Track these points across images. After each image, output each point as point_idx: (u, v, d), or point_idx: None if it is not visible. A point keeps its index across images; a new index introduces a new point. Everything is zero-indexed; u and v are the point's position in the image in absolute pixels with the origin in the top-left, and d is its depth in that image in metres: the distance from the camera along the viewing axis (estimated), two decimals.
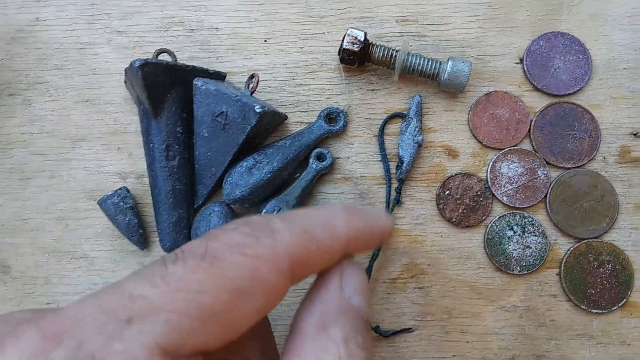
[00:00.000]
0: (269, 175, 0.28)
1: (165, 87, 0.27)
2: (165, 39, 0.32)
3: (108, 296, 0.14)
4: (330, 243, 0.18)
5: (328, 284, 0.19)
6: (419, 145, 0.29)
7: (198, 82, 0.27)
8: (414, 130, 0.30)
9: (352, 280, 0.19)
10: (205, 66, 0.32)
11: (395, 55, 0.30)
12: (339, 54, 0.30)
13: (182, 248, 0.16)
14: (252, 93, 0.28)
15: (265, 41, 0.32)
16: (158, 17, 0.32)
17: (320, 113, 0.30)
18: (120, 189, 0.28)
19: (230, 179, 0.28)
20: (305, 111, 0.31)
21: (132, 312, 0.14)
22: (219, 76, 0.30)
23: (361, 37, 0.29)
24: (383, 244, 0.29)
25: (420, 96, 0.30)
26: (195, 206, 0.29)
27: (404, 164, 0.29)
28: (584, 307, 0.29)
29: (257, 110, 0.26)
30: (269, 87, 0.31)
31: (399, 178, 0.30)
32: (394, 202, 0.30)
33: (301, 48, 0.32)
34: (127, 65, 0.27)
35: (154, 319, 0.14)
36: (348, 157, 0.31)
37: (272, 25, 0.32)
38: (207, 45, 0.32)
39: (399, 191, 0.29)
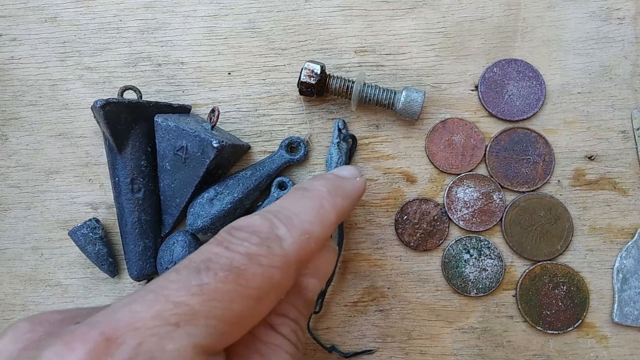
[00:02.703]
0: (230, 206, 0.29)
1: (128, 124, 0.29)
2: (134, 74, 0.33)
3: (152, 303, 0.16)
4: (324, 234, 0.20)
5: None
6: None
7: (158, 118, 0.29)
8: (337, 156, 0.31)
9: (315, 263, 0.21)
10: (171, 99, 0.33)
11: (352, 87, 0.31)
12: (297, 87, 0.31)
13: (206, 256, 0.18)
14: (213, 127, 0.29)
15: (229, 74, 0.33)
16: (126, 53, 0.33)
17: (282, 143, 0.31)
18: (89, 220, 0.30)
19: (192, 209, 0.29)
20: (268, 140, 0.32)
21: (178, 318, 0.16)
22: (184, 110, 0.32)
23: (318, 70, 0.30)
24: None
25: (342, 120, 0.31)
26: (162, 234, 0.31)
27: None
28: (539, 328, 0.29)
29: (215, 145, 0.27)
30: (233, 117, 0.33)
31: None
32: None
33: (264, 80, 0.33)
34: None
35: (197, 323, 0.16)
36: None
37: (235, 58, 0.33)
38: (173, 79, 0.33)
39: None
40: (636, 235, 0.30)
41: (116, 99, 0.28)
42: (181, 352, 0.15)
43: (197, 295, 0.16)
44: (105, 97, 0.28)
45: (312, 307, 0.22)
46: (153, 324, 0.15)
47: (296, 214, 0.20)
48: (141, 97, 0.31)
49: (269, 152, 0.32)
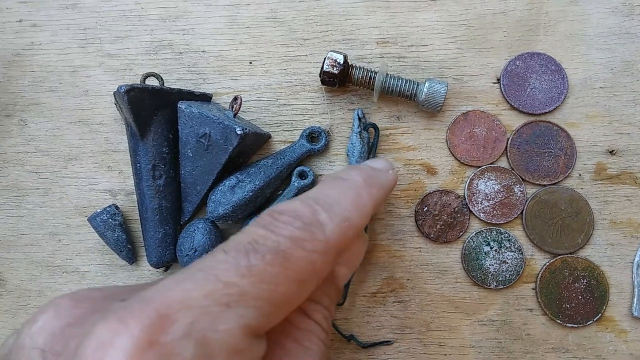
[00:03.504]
0: (251, 194, 0.29)
1: (151, 110, 0.29)
2: (155, 62, 0.33)
3: (205, 282, 0.16)
4: (363, 223, 0.20)
5: None
6: (366, 157, 0.31)
7: (182, 105, 0.28)
8: (360, 146, 0.30)
9: (348, 252, 0.22)
10: (192, 87, 0.33)
11: (374, 77, 0.31)
12: (320, 76, 0.31)
13: (252, 237, 0.18)
14: (235, 114, 0.29)
15: (251, 63, 0.33)
16: (147, 40, 0.33)
17: (303, 132, 0.31)
18: (109, 206, 0.30)
19: (213, 197, 0.29)
20: (288, 130, 0.32)
21: (229, 298, 0.16)
22: (205, 98, 0.32)
23: (341, 60, 0.30)
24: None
25: (361, 110, 0.31)
26: (181, 222, 0.31)
27: None
28: (559, 321, 0.29)
29: (238, 132, 0.27)
30: (254, 107, 0.33)
31: None
32: None
33: (285, 69, 0.33)
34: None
35: (247, 304, 0.16)
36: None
37: (257, 47, 0.33)
38: (194, 67, 0.33)
39: None
40: None
41: (140, 84, 0.28)
42: (232, 332, 0.15)
43: (246, 276, 0.16)
44: (137, 83, 0.28)
45: (340, 295, 0.22)
46: (205, 302, 0.15)
47: (336, 201, 0.20)
48: (163, 84, 0.31)
49: (290, 141, 0.32)
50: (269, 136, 0.32)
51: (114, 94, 0.29)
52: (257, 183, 0.29)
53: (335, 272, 0.21)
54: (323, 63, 0.30)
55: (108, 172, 0.32)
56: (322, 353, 0.19)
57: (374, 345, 0.30)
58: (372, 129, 0.32)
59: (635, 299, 0.29)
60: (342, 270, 0.21)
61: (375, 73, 0.31)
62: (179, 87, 0.32)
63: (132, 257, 0.30)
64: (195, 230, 0.29)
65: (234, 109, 0.29)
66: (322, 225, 0.19)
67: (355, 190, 0.21)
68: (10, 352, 0.16)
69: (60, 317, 0.16)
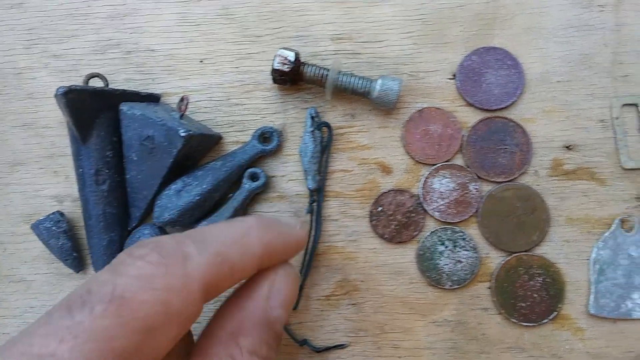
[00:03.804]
0: (198, 198, 0.28)
1: (92, 113, 0.28)
2: (102, 62, 0.32)
3: (13, 355, 0.14)
4: (243, 263, 0.18)
5: (254, 292, 0.19)
6: (319, 157, 0.30)
7: (124, 107, 0.28)
8: (313, 145, 0.30)
9: (280, 291, 0.19)
10: (141, 87, 0.32)
11: (326, 75, 0.30)
12: (271, 74, 0.30)
13: (88, 287, 0.15)
14: (182, 116, 0.29)
15: (201, 61, 0.32)
16: (94, 40, 0.32)
17: (254, 133, 0.31)
18: (53, 213, 0.29)
19: (159, 202, 0.28)
20: (241, 131, 0.32)
21: None
22: (153, 98, 0.31)
23: (292, 57, 0.30)
24: (294, 255, 0.30)
25: (314, 108, 0.30)
26: (129, 228, 0.30)
27: (309, 177, 0.30)
28: (514, 320, 0.29)
29: (182, 134, 0.27)
30: (205, 107, 0.32)
31: (311, 190, 0.30)
32: (310, 211, 0.30)
33: (237, 68, 0.32)
34: None
35: None
36: (283, 176, 0.31)
37: (208, 45, 0.32)
38: (143, 67, 0.32)
39: (311, 202, 0.30)
40: (613, 225, 0.29)
41: (79, 86, 0.27)
42: None
43: (66, 340, 0.14)
44: (76, 85, 0.27)
45: (281, 339, 0.20)
46: None
47: (213, 236, 0.17)
48: (108, 85, 0.30)
49: (242, 142, 0.31)
50: (220, 137, 0.31)
51: (54, 96, 0.28)
52: (204, 186, 0.28)
53: (268, 316, 0.19)
54: (273, 61, 0.30)
55: (54, 178, 0.31)
56: None
57: (328, 349, 0.29)
58: (325, 128, 0.31)
59: (592, 297, 0.29)
60: (275, 312, 0.19)
61: (328, 70, 0.30)
62: (127, 88, 0.31)
63: (78, 266, 0.30)
64: (140, 236, 0.28)
65: (180, 110, 0.28)
66: (186, 257, 0.16)
67: (243, 229, 0.18)
68: None
69: None
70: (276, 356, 0.19)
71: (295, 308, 0.30)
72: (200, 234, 0.18)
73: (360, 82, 0.30)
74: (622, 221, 0.30)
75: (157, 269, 0.15)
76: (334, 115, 0.31)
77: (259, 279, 0.20)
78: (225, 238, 0.18)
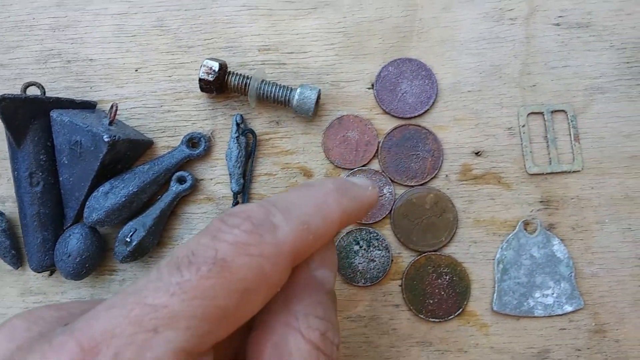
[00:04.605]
0: (124, 199, 0.30)
1: (26, 119, 0.30)
2: (43, 71, 0.34)
3: (132, 307, 0.15)
4: (326, 230, 0.19)
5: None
6: (243, 161, 0.32)
7: (54, 113, 0.30)
8: (237, 150, 0.32)
9: (320, 254, 0.20)
10: (80, 95, 0.34)
11: (249, 84, 0.32)
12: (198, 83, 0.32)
13: (191, 249, 0.17)
14: (111, 122, 0.30)
15: (136, 70, 0.34)
16: (38, 50, 0.34)
17: (183, 138, 0.32)
18: None
19: (88, 203, 0.30)
20: (172, 136, 0.33)
21: (157, 322, 0.15)
22: (89, 105, 0.33)
23: (216, 67, 0.32)
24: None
25: (240, 115, 0.32)
26: (65, 228, 0.32)
27: (233, 180, 0.32)
28: (422, 316, 0.31)
29: (106, 140, 0.29)
30: (139, 114, 0.34)
31: (234, 192, 0.32)
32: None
33: (170, 77, 0.34)
34: None
35: (177, 326, 0.15)
36: (211, 179, 0.33)
37: (143, 55, 0.34)
38: (82, 75, 0.34)
39: (234, 204, 0.32)
40: (517, 227, 0.31)
41: (12, 95, 0.29)
42: (162, 359, 0.15)
43: (177, 294, 0.15)
44: (9, 93, 0.29)
45: (335, 298, 0.21)
46: (131, 330, 0.15)
47: (297, 204, 0.18)
48: (44, 93, 0.32)
49: (173, 147, 0.33)
50: (151, 142, 0.33)
51: None
52: (130, 188, 0.30)
53: (313, 277, 0.20)
54: (200, 70, 0.32)
55: None
56: None
57: None
58: (250, 134, 0.33)
59: (495, 295, 0.31)
60: (319, 272, 0.20)
61: (250, 79, 0.32)
62: (66, 96, 0.33)
63: (17, 262, 0.32)
64: (70, 235, 0.30)
65: (110, 117, 0.30)
66: (275, 227, 0.17)
67: (321, 196, 0.19)
68: None
69: (13, 339, 0.16)
70: (336, 314, 0.20)
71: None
72: (284, 202, 0.19)
73: (280, 90, 0.32)
74: (526, 223, 0.31)
75: (250, 237, 0.17)
76: (260, 122, 0.33)
77: None
78: (307, 206, 0.19)
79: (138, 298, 0.15)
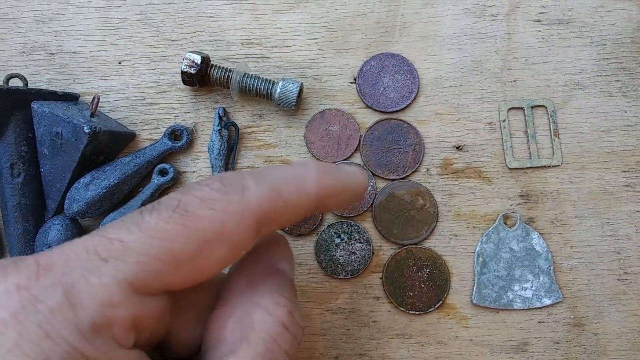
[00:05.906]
0: (105, 191, 0.30)
1: (7, 111, 0.30)
2: (27, 63, 0.34)
3: (92, 238, 0.17)
4: (298, 200, 0.19)
5: (261, 249, 0.21)
6: (225, 154, 0.32)
7: (35, 105, 0.30)
8: (219, 143, 0.32)
9: (279, 249, 0.21)
10: (63, 87, 0.34)
11: (231, 77, 0.32)
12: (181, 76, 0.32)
13: (160, 200, 0.18)
14: (92, 114, 0.31)
15: (120, 63, 0.34)
16: (21, 42, 0.34)
17: (165, 131, 0.33)
18: None
19: (69, 194, 0.30)
20: (154, 129, 0.34)
21: (109, 253, 0.16)
22: (71, 97, 0.33)
23: (198, 60, 0.32)
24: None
25: (223, 108, 0.33)
26: (46, 219, 0.32)
27: (215, 173, 0.32)
28: (402, 308, 0.31)
29: (86, 131, 0.29)
30: (122, 106, 0.34)
31: None
32: None
33: (153, 70, 0.34)
34: None
35: (126, 259, 0.16)
36: (193, 172, 0.33)
37: (126, 48, 0.34)
38: (65, 68, 0.34)
39: None
40: (496, 221, 0.31)
41: None
42: (105, 287, 0.16)
43: (134, 232, 0.16)
44: None
45: (295, 289, 0.21)
46: (84, 257, 0.16)
47: (271, 173, 0.19)
48: (27, 84, 0.32)
49: (156, 139, 0.33)
50: (134, 135, 0.33)
51: None
52: (111, 180, 0.30)
53: (277, 267, 0.21)
54: (182, 63, 0.32)
55: None
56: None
57: None
58: (232, 127, 0.33)
59: (475, 287, 0.31)
60: (281, 264, 0.21)
61: (232, 72, 0.32)
62: (49, 88, 0.33)
63: None
64: (50, 226, 0.30)
65: (91, 109, 0.30)
66: (244, 187, 0.18)
67: (301, 171, 0.19)
68: None
69: None
70: (297, 302, 0.20)
71: None
72: (260, 172, 0.19)
73: (263, 84, 0.32)
74: (505, 217, 0.32)
75: (217, 194, 0.17)
76: (243, 115, 0.34)
77: (262, 241, 0.22)
78: (283, 176, 0.19)
79: (101, 233, 0.17)
